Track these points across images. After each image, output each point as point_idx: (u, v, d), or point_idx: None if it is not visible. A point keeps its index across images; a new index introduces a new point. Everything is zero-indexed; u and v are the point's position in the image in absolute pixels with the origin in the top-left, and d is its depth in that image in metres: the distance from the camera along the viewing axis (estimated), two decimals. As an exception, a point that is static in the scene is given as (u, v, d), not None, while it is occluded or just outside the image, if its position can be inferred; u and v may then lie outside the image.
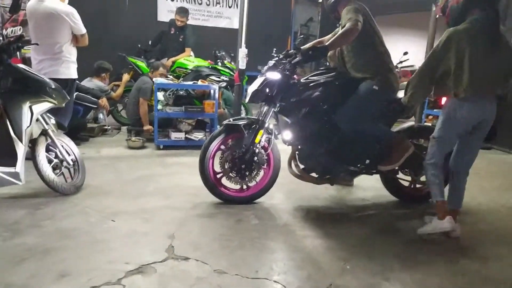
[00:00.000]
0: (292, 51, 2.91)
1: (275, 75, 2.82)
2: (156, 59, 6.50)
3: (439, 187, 2.68)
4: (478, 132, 2.60)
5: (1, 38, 5.08)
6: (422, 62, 2.65)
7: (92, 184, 3.29)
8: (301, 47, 2.86)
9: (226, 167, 2.96)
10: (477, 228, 2.90)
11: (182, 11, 6.25)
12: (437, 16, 2.80)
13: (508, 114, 5.26)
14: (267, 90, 2.82)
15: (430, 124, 5.97)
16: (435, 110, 6.34)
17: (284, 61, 2.88)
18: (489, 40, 2.43)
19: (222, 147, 3.00)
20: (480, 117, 2.52)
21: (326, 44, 2.72)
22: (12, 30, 5.38)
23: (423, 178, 3.25)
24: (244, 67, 4.84)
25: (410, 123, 3.35)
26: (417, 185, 3.30)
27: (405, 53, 7.29)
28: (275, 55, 3.03)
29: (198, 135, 4.82)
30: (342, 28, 2.74)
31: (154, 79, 4.93)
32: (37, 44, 3.51)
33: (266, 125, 2.92)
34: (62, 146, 3.11)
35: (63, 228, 2.48)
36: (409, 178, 3.28)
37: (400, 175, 3.25)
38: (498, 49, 2.46)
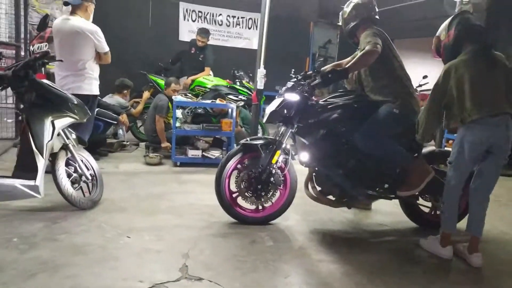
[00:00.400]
0: (310, 72, 2.93)
1: (293, 96, 2.82)
2: (176, 77, 6.63)
3: (450, 218, 2.69)
4: (493, 156, 2.56)
5: (28, 54, 5.28)
6: (427, 99, 2.72)
7: (109, 199, 3.31)
8: (321, 70, 2.86)
9: (242, 186, 2.94)
10: (499, 258, 2.79)
11: (204, 32, 6.38)
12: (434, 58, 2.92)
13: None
14: (285, 111, 2.82)
15: (450, 149, 5.85)
16: (455, 134, 6.21)
17: (302, 82, 2.89)
18: (484, 63, 2.55)
19: (239, 166, 2.99)
20: (489, 140, 2.50)
21: (346, 66, 2.72)
22: (38, 47, 5.54)
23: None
24: (262, 87, 4.87)
25: (431, 147, 3.29)
26: (438, 212, 3.21)
27: (425, 77, 7.23)
28: (293, 75, 3.03)
29: (214, 153, 4.83)
30: (361, 51, 2.75)
31: (173, 97, 5.01)
32: (61, 60, 3.61)
33: (284, 145, 2.90)
34: (82, 160, 3.15)
35: (78, 243, 2.49)
36: (429, 204, 3.20)
37: (420, 200, 3.17)
38: (496, 69, 2.55)
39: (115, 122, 4.99)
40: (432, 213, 3.22)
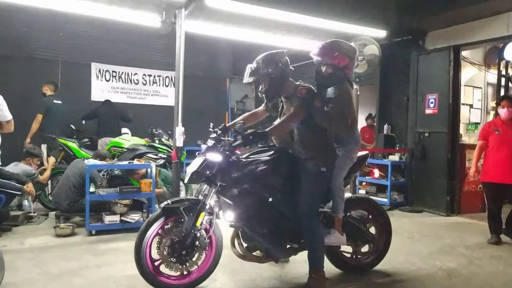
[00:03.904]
0: (229, 125, 3.04)
1: (215, 156, 2.80)
2: (90, 139, 6.33)
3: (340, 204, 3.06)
4: None
5: None
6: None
7: (12, 282, 2.92)
8: (241, 131, 2.88)
9: (165, 253, 2.78)
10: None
11: (46, 82, 6.45)
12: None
13: (435, 178, 5.72)
14: (207, 171, 2.78)
15: (365, 194, 6.26)
16: (367, 177, 6.68)
17: (223, 139, 2.90)
18: None
19: (160, 231, 2.84)
20: None
21: (267, 130, 2.81)
22: None
23: (364, 249, 3.32)
24: (181, 145, 4.84)
25: (347, 194, 3.43)
26: (358, 256, 3.34)
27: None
28: (212, 130, 3.01)
29: (134, 217, 4.57)
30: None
31: (85, 160, 4.75)
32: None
33: (207, 206, 2.84)
34: (-23, 242, 2.77)
35: None
36: (350, 249, 3.32)
37: (342, 247, 3.27)
38: None
39: (19, 193, 4.53)
40: (354, 257, 3.34)
